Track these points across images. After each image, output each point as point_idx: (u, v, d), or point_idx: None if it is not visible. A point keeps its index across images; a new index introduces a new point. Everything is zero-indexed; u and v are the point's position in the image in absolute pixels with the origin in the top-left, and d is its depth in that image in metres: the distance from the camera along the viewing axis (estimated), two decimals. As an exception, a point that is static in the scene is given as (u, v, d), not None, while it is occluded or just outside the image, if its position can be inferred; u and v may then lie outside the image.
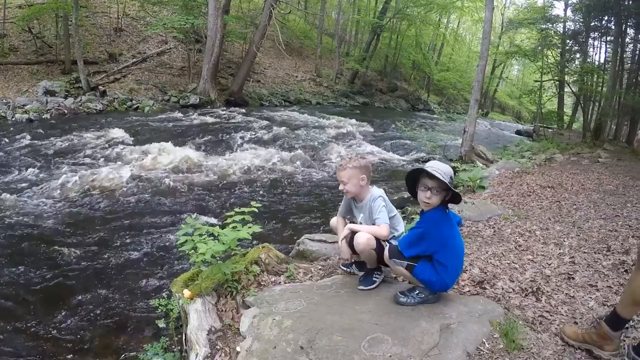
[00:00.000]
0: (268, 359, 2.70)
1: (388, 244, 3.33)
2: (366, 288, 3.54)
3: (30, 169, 8.52)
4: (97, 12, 23.10)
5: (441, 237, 3.07)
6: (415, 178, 3.15)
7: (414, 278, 3.17)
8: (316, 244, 4.67)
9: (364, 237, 3.30)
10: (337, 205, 4.12)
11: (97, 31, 21.99)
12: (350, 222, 3.75)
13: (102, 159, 9.70)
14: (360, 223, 3.65)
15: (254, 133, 13.94)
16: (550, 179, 8.89)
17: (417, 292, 3.17)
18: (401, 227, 3.67)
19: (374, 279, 3.59)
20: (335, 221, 3.93)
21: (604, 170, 10.34)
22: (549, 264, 4.36)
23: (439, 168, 3.05)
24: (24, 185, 7.77)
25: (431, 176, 3.01)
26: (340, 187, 3.59)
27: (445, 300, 3.23)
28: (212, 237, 3.47)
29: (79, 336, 3.99)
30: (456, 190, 3.07)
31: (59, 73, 18.17)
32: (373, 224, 3.47)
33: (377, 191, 3.61)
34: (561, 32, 21.29)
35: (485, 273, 4.08)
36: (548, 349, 2.87)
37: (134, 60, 21.30)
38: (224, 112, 17.76)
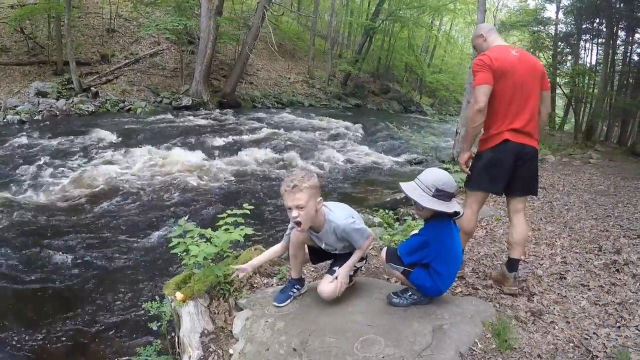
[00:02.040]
0: (261, 361, 2.70)
1: (386, 247, 3.31)
2: (279, 305, 3.26)
3: (21, 171, 8.48)
4: (90, 12, 22.97)
5: (442, 246, 3.02)
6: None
7: (408, 281, 3.17)
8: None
9: (329, 290, 3.13)
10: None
11: (89, 32, 21.86)
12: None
13: (93, 161, 9.65)
14: (326, 249, 3.26)
15: (246, 135, 13.94)
16: (542, 180, 8.92)
17: (410, 293, 3.16)
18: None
19: (290, 293, 3.34)
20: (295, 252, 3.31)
21: (595, 171, 10.41)
22: (541, 264, 4.38)
23: (421, 180, 2.96)
24: (14, 187, 7.73)
25: (403, 189, 3.00)
26: (294, 215, 2.90)
27: (438, 301, 3.23)
28: (204, 240, 3.46)
29: (71, 339, 3.97)
30: (429, 206, 2.88)
31: (50, 74, 18.04)
32: (342, 244, 3.20)
33: (339, 214, 3.11)
34: (553, 34, 21.43)
35: (478, 274, 4.10)
36: (540, 348, 2.88)
37: (127, 61, 21.18)
38: (216, 114, 17.75)
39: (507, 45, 3.76)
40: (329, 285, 3.14)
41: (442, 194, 2.90)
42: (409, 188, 2.97)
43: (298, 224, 2.94)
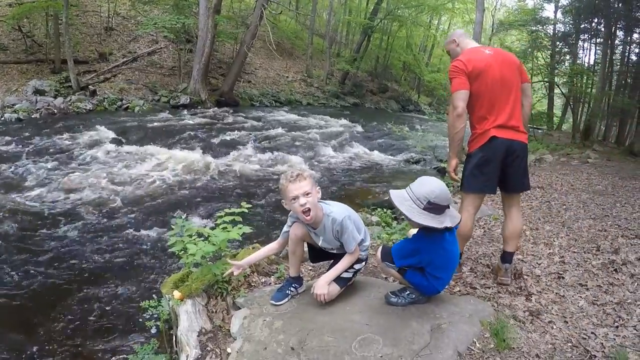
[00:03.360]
0: (258, 360, 2.70)
1: (382, 246, 3.30)
2: (276, 303, 3.25)
3: (18, 169, 8.45)
4: (88, 10, 22.95)
5: (434, 256, 2.97)
6: None
7: (404, 280, 3.16)
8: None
9: (327, 291, 3.13)
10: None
11: (87, 30, 21.83)
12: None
13: (90, 160, 9.63)
14: (323, 248, 3.28)
15: (244, 134, 13.93)
16: (540, 180, 8.92)
17: (408, 292, 3.15)
18: (368, 239, 3.36)
19: (287, 292, 3.33)
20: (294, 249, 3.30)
21: (593, 171, 10.39)
22: (539, 264, 4.38)
23: (413, 190, 2.85)
24: (11, 185, 7.71)
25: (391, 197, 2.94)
26: (302, 202, 2.91)
27: (436, 301, 3.23)
28: (202, 238, 3.45)
29: (67, 338, 3.96)
30: (416, 221, 2.80)
31: (48, 72, 18.01)
32: (339, 242, 3.18)
33: (337, 209, 3.13)
34: (551, 34, 21.42)
35: (476, 273, 4.09)
36: (538, 348, 2.88)
37: (125, 59, 21.15)
38: (214, 113, 17.74)
39: (479, 46, 3.86)
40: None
41: (433, 207, 2.78)
42: (398, 198, 2.87)
43: (307, 211, 2.94)
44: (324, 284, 3.13)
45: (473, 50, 3.73)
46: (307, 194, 2.93)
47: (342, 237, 3.10)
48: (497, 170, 3.62)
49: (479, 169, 3.63)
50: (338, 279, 3.21)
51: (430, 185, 2.83)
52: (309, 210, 2.94)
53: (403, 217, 3.33)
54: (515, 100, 3.62)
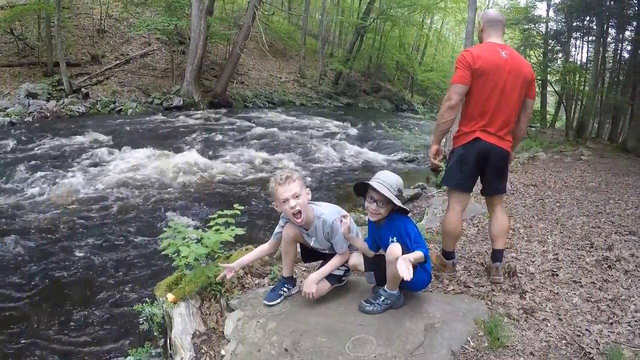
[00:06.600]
0: (252, 362, 2.69)
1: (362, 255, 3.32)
2: (269, 303, 3.28)
3: (10, 174, 8.40)
4: (80, 13, 22.84)
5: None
6: (364, 188, 3.11)
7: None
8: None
9: (314, 290, 3.18)
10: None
11: (79, 32, 21.73)
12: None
13: (84, 163, 9.59)
14: (315, 248, 3.31)
15: (237, 135, 13.92)
16: (534, 177, 8.94)
17: (383, 298, 3.10)
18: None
19: (280, 292, 3.35)
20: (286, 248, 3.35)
21: (587, 168, 10.43)
22: (533, 262, 4.38)
23: (385, 180, 3.02)
24: (4, 189, 7.66)
25: (377, 189, 3.00)
26: (292, 205, 2.95)
27: (430, 300, 3.23)
28: (195, 240, 3.44)
29: (61, 341, 3.93)
30: (401, 205, 3.03)
31: (41, 75, 17.90)
32: (330, 243, 3.23)
33: (328, 211, 3.17)
34: (544, 32, 21.47)
35: (470, 271, 4.09)
36: (533, 345, 2.88)
37: (117, 62, 21.07)
38: (207, 114, 17.70)
39: (498, 44, 3.60)
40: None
41: (400, 195, 3.06)
42: (382, 189, 2.98)
43: (298, 214, 2.98)
44: (312, 282, 3.16)
45: (489, 47, 3.57)
46: (297, 196, 2.95)
47: (332, 238, 3.13)
48: (474, 170, 3.67)
49: (458, 165, 3.69)
50: (328, 276, 3.24)
51: (394, 176, 3.11)
52: (300, 212, 2.98)
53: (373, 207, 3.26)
54: (511, 113, 3.58)
